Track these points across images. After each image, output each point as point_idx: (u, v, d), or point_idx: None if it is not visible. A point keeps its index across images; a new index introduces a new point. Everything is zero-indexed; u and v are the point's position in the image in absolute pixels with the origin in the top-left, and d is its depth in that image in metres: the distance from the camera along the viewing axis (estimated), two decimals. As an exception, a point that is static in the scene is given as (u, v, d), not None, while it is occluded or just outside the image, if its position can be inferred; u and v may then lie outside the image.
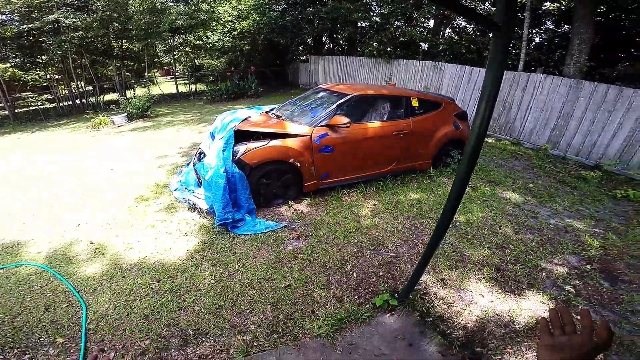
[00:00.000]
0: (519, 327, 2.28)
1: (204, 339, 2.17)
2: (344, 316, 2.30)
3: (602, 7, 8.33)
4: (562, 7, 9.26)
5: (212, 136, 3.94)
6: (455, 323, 2.32)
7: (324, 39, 16.24)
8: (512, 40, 9.60)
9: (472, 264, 2.91)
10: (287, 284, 2.63)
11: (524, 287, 2.66)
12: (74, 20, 10.21)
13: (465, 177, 1.65)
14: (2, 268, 2.93)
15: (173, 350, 2.09)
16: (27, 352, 2.11)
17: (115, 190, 4.40)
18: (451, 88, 8.50)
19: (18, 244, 3.28)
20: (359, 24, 13.05)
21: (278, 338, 2.16)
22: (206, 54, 16.71)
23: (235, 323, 2.28)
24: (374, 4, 12.31)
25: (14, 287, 2.67)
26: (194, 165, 4.07)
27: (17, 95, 12.21)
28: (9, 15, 10.82)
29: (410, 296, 2.47)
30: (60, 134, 8.71)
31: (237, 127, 3.64)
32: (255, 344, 2.12)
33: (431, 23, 11.96)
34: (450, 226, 3.44)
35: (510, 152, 6.26)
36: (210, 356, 2.05)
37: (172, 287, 2.61)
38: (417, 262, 2.87)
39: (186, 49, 15.72)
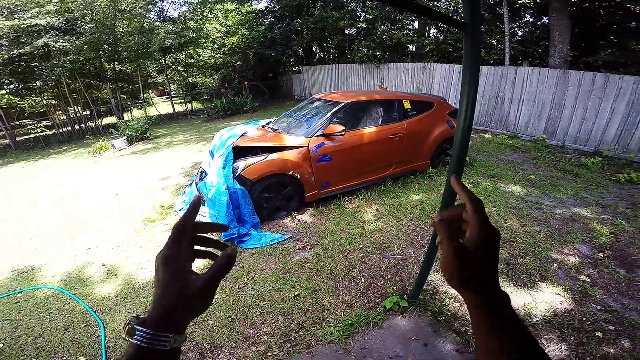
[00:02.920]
0: (537, 321, 2.29)
1: (219, 352, 2.20)
2: (355, 321, 2.32)
3: (575, -3, 8.50)
4: (538, 0, 9.41)
5: (212, 154, 4.00)
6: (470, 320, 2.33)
7: (314, 49, 16.46)
8: (496, 35, 9.73)
9: None
10: (296, 293, 2.65)
11: (536, 279, 2.66)
12: (64, 44, 10.35)
13: (457, 173, 1.70)
14: (21, 292, 3.02)
15: (190, 363, 2.11)
16: (51, 371, 2.15)
17: (122, 214, 4.46)
18: (443, 88, 8.59)
19: (32, 269, 3.36)
20: (346, 31, 13.26)
21: (291, 347, 2.19)
22: (199, 71, 16.94)
23: (248, 335, 2.31)
24: (359, 10, 12.52)
25: (33, 310, 2.76)
26: (196, 185, 4.11)
27: (17, 122, 12.36)
28: (-2, 41, 10.98)
29: (421, 296, 2.48)
30: (64, 160, 8.80)
31: (235, 143, 3.69)
32: (269, 354, 2.15)
33: (416, 24, 12.15)
34: (455, 225, 3.47)
35: (508, 145, 6.31)
36: (226, 368, 2.06)
37: (184, 303, 2.63)
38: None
39: (178, 67, 15.95)
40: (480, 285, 0.44)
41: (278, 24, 14.23)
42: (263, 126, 4.47)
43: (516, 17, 10.17)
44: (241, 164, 3.50)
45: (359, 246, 3.21)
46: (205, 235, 0.53)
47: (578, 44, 8.11)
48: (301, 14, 13.64)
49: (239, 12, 15.42)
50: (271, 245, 3.31)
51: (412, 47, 11.94)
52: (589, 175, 4.74)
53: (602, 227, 3.32)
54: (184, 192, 4.77)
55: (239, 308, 2.55)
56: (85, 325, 2.53)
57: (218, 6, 14.45)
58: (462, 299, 2.11)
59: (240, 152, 3.73)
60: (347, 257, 3.06)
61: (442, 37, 10.92)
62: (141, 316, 0.43)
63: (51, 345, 2.37)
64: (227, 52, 15.50)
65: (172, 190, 5.10)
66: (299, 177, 3.65)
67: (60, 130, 13.05)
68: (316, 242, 3.31)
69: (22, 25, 9.74)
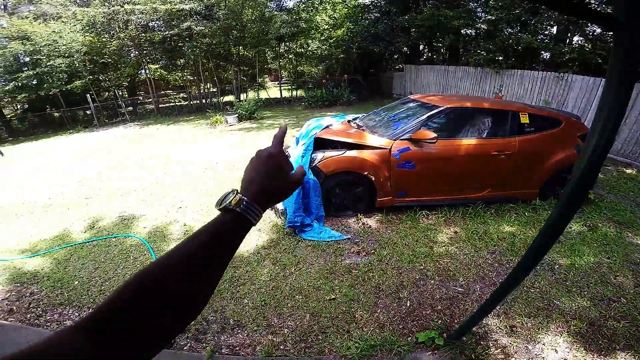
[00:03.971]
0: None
1: (239, 331, 2.29)
2: (379, 344, 2.12)
3: None
4: None
5: (297, 141, 4.13)
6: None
7: (421, 48, 15.47)
8: None
9: (559, 314, 2.34)
10: (333, 297, 2.56)
11: (617, 347, 2.06)
12: (202, 27, 12.19)
13: (564, 214, 1.30)
14: (115, 237, 3.57)
15: (209, 334, 2.27)
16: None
17: (215, 180, 5.07)
18: (580, 104, 7.02)
19: (133, 218, 4.01)
20: (462, 32, 11.95)
21: (305, 347, 2.14)
22: (307, 61, 17.88)
23: (272, 323, 2.35)
24: (479, 10, 11.09)
25: (117, 255, 3.21)
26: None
27: (162, 92, 15.27)
28: (156, 22, 13.51)
29: (464, 338, 2.12)
30: (187, 128, 10.53)
31: (318, 134, 3.70)
32: (281, 347, 2.15)
33: (554, 29, 10.15)
34: (547, 269, 2.82)
35: (657, 188, 4.78)
36: (237, 348, 2.17)
37: (232, 276, 2.83)
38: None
39: (290, 56, 17.12)
40: None
41: (384, 19, 13.74)
42: (349, 121, 4.38)
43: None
44: (319, 155, 3.49)
45: (419, 267, 2.88)
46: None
47: None
48: (409, 10, 12.85)
49: (346, 6, 15.59)
50: (328, 241, 3.26)
51: (545, 55, 10.06)
52: None
53: None
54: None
55: (275, 295, 2.60)
56: (146, 277, 2.93)
57: (328, -2, 14.92)
58: (511, 353, 1.81)
59: (322, 143, 3.74)
60: (400, 275, 2.78)
61: (589, 46, 8.87)
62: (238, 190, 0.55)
63: (111, 290, 2.77)
64: (332, 44, 15.92)
65: (259, 168, 5.53)
66: (373, 179, 3.46)
67: (191, 102, 15.54)
68: (373, 251, 3.11)
69: (173, 10, 11.82)
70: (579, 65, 8.91)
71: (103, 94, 15.41)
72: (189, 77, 16.47)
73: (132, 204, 4.44)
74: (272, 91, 18.55)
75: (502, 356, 2.04)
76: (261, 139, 8.00)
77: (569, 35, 10.08)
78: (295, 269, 2.91)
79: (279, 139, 0.63)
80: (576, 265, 2.87)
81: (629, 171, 5.53)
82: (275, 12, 14.58)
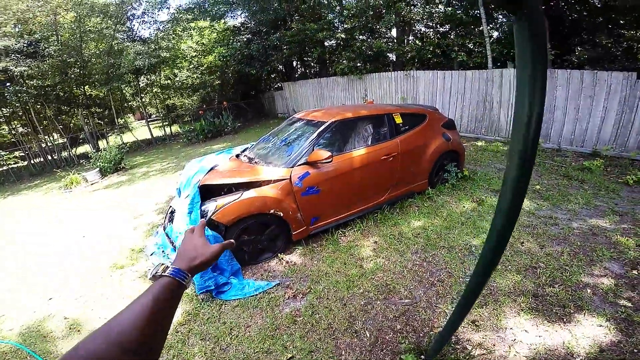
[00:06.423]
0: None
1: None
2: None
3: (542, -5, 8.54)
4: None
5: (179, 192, 3.49)
6: (502, 371, 1.89)
7: (294, 64, 16.14)
8: (472, 38, 9.35)
9: (504, 295, 2.51)
10: (289, 356, 2.19)
11: (572, 311, 2.29)
12: (26, 68, 9.67)
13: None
14: None
15: None
16: None
17: (88, 259, 3.98)
18: (428, 96, 8.33)
19: None
20: (326, 44, 12.99)
21: None
22: (176, 93, 16.38)
23: None
24: (336, 21, 12.29)
25: None
26: (164, 229, 3.58)
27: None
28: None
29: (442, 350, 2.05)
30: (33, 197, 8.12)
31: (202, 181, 3.17)
32: None
33: (394, 32, 11.98)
34: (467, 254, 3.05)
35: (504, 152, 6.01)
36: None
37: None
38: (437, 305, 2.46)
39: (154, 89, 15.34)
40: None
41: (255, 39, 13.85)
42: (237, 155, 3.96)
43: (490, 18, 10.04)
44: (211, 206, 2.97)
45: (359, 291, 2.73)
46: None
47: (553, 42, 8.01)
48: (279, 28, 13.31)
49: (214, 30, 15.06)
50: (256, 295, 2.82)
51: (392, 56, 11.74)
52: (595, 179, 4.46)
53: (627, 240, 2.99)
54: (157, 232, 4.22)
55: (224, 376, 2.08)
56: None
57: (192, 24, 14.04)
58: (490, 347, 2.03)
59: (211, 189, 3.23)
60: (346, 306, 2.58)
61: (421, 44, 10.72)
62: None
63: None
64: (204, 71, 15.05)
65: (145, 231, 4.56)
66: (282, 215, 3.15)
67: (33, 162, 12.17)
68: (308, 289, 2.83)
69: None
70: (418, 62, 10.64)
71: None
72: (20, 129, 12.84)
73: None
74: (141, 132, 16.19)
75: (485, 352, 2.03)
76: (137, 193, 6.64)
77: (406, 36, 11.95)
78: (231, 338, 2.41)
79: (202, 228, 0.82)
80: (487, 242, 3.19)
81: (479, 144, 6.80)
82: (127, 43, 12.76)
